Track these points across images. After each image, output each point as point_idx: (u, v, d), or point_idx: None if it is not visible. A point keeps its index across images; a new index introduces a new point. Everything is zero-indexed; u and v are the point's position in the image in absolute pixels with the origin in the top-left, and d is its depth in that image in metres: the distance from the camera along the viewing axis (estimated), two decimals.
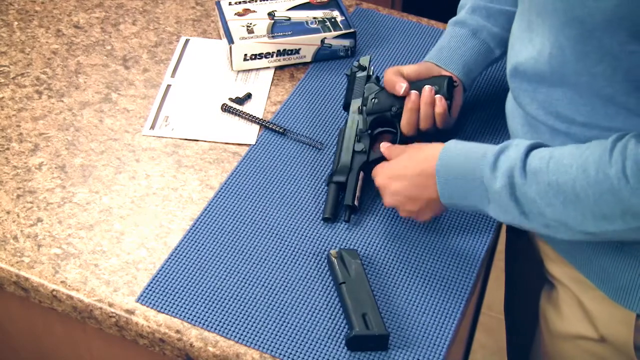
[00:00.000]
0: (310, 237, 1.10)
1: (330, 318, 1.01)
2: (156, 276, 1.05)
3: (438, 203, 1.02)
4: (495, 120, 1.28)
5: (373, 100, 1.19)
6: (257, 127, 1.27)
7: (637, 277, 0.96)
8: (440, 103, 1.13)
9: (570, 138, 0.94)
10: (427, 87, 1.14)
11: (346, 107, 1.23)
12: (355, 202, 1.12)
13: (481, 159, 0.95)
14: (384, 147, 1.12)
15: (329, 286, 1.05)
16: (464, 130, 1.26)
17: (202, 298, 1.03)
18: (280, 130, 1.25)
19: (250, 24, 1.38)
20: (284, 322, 1.00)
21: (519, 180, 0.91)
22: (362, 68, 1.24)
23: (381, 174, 1.08)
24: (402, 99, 1.16)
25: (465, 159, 0.97)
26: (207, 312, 1.01)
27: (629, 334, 1.00)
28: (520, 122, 1.02)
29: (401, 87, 1.15)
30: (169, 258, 1.07)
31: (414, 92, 1.14)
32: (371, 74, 1.24)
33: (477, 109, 1.30)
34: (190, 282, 1.04)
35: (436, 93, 1.14)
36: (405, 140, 1.16)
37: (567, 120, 0.93)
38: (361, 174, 1.15)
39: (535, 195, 0.90)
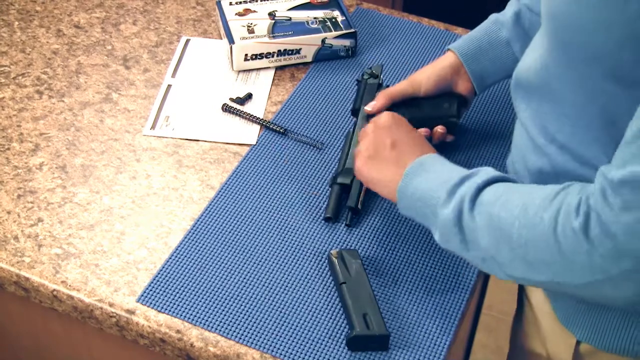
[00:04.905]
0: (311, 237, 1.10)
1: (330, 318, 1.01)
2: (157, 276, 1.05)
3: (394, 180, 1.00)
4: (498, 121, 1.28)
5: None
6: (258, 127, 1.27)
7: (580, 304, 0.96)
8: (436, 137, 1.16)
9: (544, 157, 0.93)
10: (439, 129, 1.16)
11: (354, 112, 1.23)
12: (359, 205, 1.12)
13: (443, 184, 0.93)
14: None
15: (329, 286, 1.05)
16: (470, 130, 1.26)
17: (202, 298, 1.03)
18: (281, 131, 1.25)
19: (251, 24, 1.38)
20: (285, 322, 1.00)
21: (466, 207, 0.88)
22: (373, 75, 1.25)
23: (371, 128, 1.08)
24: (411, 110, 1.16)
25: (429, 184, 0.95)
26: (207, 312, 1.01)
27: (569, 358, 1.00)
28: (518, 129, 1.01)
29: (370, 105, 1.17)
30: (170, 258, 1.07)
31: (423, 130, 1.15)
32: (381, 82, 1.25)
33: (479, 111, 1.30)
34: (190, 282, 1.04)
35: (446, 113, 1.16)
36: None
37: (548, 137, 0.92)
38: None
39: (476, 225, 0.87)
